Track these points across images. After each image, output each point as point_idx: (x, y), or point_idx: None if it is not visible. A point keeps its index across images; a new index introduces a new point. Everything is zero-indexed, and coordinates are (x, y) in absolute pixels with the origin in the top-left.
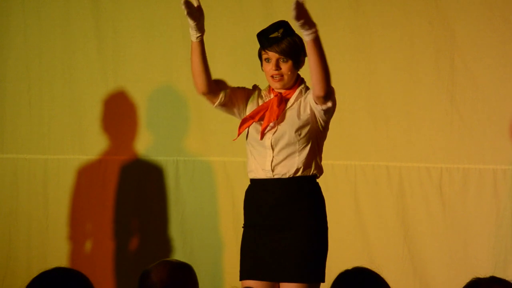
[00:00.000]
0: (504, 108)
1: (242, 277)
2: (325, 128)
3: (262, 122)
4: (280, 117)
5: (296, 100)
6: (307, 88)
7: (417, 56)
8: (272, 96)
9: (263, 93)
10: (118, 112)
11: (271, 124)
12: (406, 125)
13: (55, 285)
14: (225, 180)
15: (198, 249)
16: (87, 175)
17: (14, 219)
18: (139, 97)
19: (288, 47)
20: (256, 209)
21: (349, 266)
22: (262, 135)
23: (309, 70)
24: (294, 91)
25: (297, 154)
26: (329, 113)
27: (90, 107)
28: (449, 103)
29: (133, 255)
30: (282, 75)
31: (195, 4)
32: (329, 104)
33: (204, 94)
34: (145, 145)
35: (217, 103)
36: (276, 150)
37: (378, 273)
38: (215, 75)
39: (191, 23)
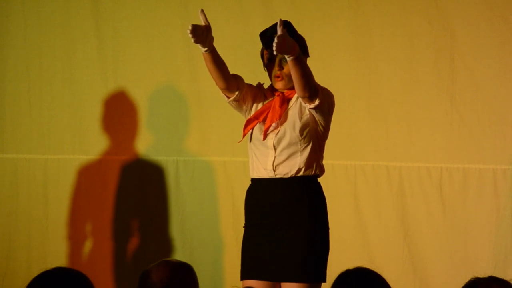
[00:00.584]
0: (504, 108)
1: (243, 277)
2: (326, 128)
3: (265, 122)
4: (283, 117)
5: (297, 99)
6: None
7: (417, 56)
8: (274, 95)
9: (266, 92)
10: (118, 112)
11: (274, 124)
12: (406, 125)
13: (55, 285)
14: (225, 180)
15: (198, 249)
16: (87, 175)
17: (14, 219)
18: (139, 97)
19: None
20: (257, 209)
21: (349, 266)
22: (265, 135)
23: None
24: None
25: (298, 154)
26: (322, 111)
27: (90, 107)
28: (449, 103)
29: (133, 255)
30: (284, 76)
31: (203, 23)
32: (316, 102)
33: (221, 89)
34: (145, 145)
35: (231, 99)
36: (278, 150)
37: (378, 272)
38: None
39: (200, 46)
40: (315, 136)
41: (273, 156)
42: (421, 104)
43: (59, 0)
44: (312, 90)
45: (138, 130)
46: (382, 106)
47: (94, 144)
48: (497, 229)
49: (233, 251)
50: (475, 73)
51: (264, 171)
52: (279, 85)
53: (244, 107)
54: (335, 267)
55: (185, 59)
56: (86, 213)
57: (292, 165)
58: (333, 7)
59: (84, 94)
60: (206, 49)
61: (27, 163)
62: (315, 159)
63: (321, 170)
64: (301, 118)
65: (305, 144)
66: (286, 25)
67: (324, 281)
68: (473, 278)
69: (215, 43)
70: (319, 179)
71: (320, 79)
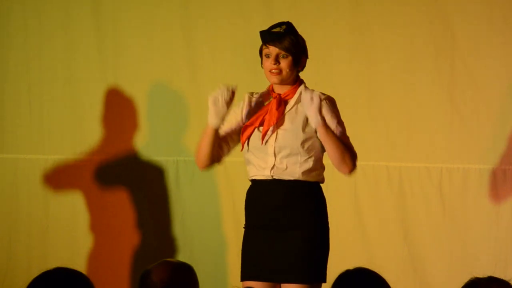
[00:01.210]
0: (504, 108)
1: (243, 278)
2: None
3: (262, 127)
4: (280, 120)
5: (296, 103)
6: (307, 89)
7: (417, 56)
8: (271, 98)
9: (262, 96)
10: (118, 112)
11: (272, 128)
12: (406, 125)
13: (55, 285)
14: (225, 180)
15: (199, 249)
16: (87, 175)
17: (14, 219)
18: (139, 97)
19: (290, 43)
20: (257, 209)
21: (349, 266)
22: (263, 139)
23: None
24: (294, 93)
25: (298, 164)
26: None
27: (90, 107)
28: (449, 103)
29: (134, 255)
30: (280, 70)
31: (228, 96)
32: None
33: (201, 168)
34: (145, 145)
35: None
36: (278, 158)
37: (378, 273)
38: (215, 75)
39: (211, 119)
40: (317, 148)
41: (272, 163)
42: (421, 104)
43: (59, 0)
44: (354, 166)
45: (138, 130)
46: (382, 106)
47: (94, 144)
48: (497, 229)
49: (233, 252)
50: (475, 73)
51: (263, 176)
52: (274, 79)
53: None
54: (335, 267)
55: (185, 59)
56: (86, 213)
57: (291, 174)
58: (333, 7)
59: (84, 94)
60: (218, 125)
61: (27, 163)
62: (316, 169)
63: (320, 179)
64: (304, 128)
65: (306, 156)
66: (288, 23)
67: (324, 281)
68: (472, 278)
69: (215, 43)
70: None
71: (320, 79)
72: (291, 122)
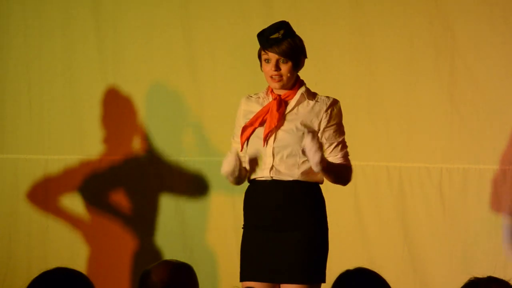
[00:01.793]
0: (504, 108)
1: (242, 278)
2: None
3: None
4: (281, 121)
5: (297, 104)
6: (308, 92)
7: (417, 56)
8: (270, 98)
9: (260, 95)
10: (118, 112)
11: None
12: (406, 125)
13: (55, 285)
14: (225, 180)
15: (199, 249)
16: (87, 175)
17: (15, 219)
18: (139, 97)
19: (289, 48)
20: (256, 210)
21: (349, 266)
22: (265, 141)
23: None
24: (294, 94)
25: (297, 165)
26: None
27: (90, 107)
28: (449, 103)
29: (133, 255)
30: (281, 76)
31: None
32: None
33: None
34: (145, 145)
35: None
36: (277, 159)
37: (378, 273)
38: (215, 75)
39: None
40: None
41: (271, 164)
42: (421, 104)
43: (60, 0)
44: (349, 181)
45: (138, 130)
46: (382, 106)
47: (94, 144)
48: (497, 230)
49: (233, 252)
50: (475, 73)
51: (262, 177)
52: (276, 85)
53: None
54: (335, 267)
55: (185, 59)
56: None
57: (290, 175)
58: (334, 7)
59: (84, 94)
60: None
61: (28, 164)
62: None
63: (320, 180)
64: (303, 130)
65: (305, 158)
66: (285, 26)
67: (324, 281)
68: (472, 278)
69: (215, 43)
70: None
71: (320, 79)
72: (290, 123)
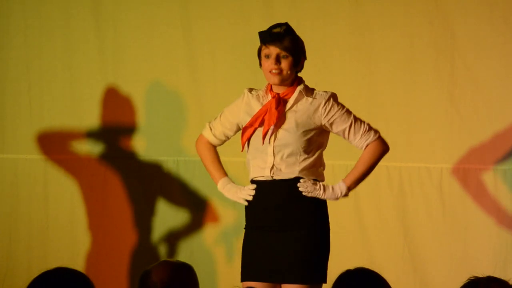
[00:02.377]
0: (504, 108)
1: (244, 278)
2: (327, 141)
3: (262, 127)
4: (279, 120)
5: (296, 102)
6: (307, 89)
7: (417, 56)
8: (269, 97)
9: (260, 93)
10: (118, 112)
11: (272, 127)
12: (406, 125)
13: (56, 285)
14: None
15: (199, 249)
16: (87, 176)
17: (15, 219)
18: (139, 96)
19: (290, 43)
20: (257, 210)
21: (349, 266)
22: (264, 139)
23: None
24: (293, 92)
25: (297, 163)
26: None
27: (90, 107)
28: (449, 103)
29: (134, 255)
30: (281, 70)
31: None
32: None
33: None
34: (145, 145)
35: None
36: (277, 157)
37: (378, 273)
38: (215, 75)
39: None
40: (317, 146)
41: (272, 163)
42: (421, 104)
43: (60, 0)
44: (384, 145)
45: (138, 130)
46: (382, 106)
47: (94, 144)
48: (497, 230)
49: (233, 252)
50: (476, 73)
51: (263, 176)
52: (275, 79)
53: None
54: (335, 267)
55: (185, 59)
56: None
57: (291, 172)
58: (334, 7)
59: (84, 94)
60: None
61: (28, 164)
62: (315, 166)
63: (320, 178)
64: (306, 133)
65: (306, 155)
66: (287, 24)
67: (325, 282)
68: (472, 277)
69: (215, 43)
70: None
71: (320, 79)
72: (290, 121)
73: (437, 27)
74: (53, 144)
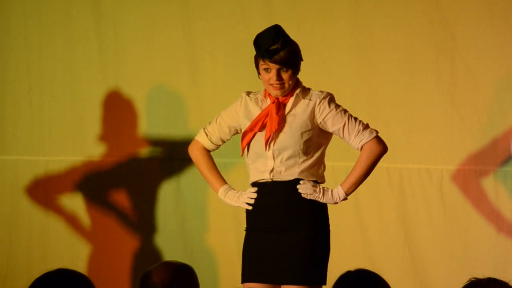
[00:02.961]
0: (505, 109)
1: (244, 280)
2: (328, 141)
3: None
4: (280, 124)
5: (294, 105)
6: (304, 90)
7: (417, 56)
8: (268, 101)
9: (259, 97)
10: (119, 113)
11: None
12: (406, 126)
13: (57, 287)
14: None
15: (199, 250)
16: (87, 176)
17: (15, 219)
18: (140, 97)
19: (289, 57)
20: (258, 212)
21: (349, 267)
22: (267, 145)
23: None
24: (291, 95)
25: (297, 165)
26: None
27: (91, 108)
28: (449, 104)
29: (134, 256)
30: (283, 83)
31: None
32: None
33: None
34: (145, 146)
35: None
36: (277, 161)
37: (379, 274)
38: (215, 75)
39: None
40: (317, 148)
41: (272, 166)
42: (421, 105)
43: (60, 1)
44: (382, 146)
45: (138, 131)
46: (383, 107)
47: (95, 145)
48: (497, 230)
49: (233, 253)
50: (476, 73)
51: (262, 179)
52: (278, 93)
53: (237, 131)
54: (336, 268)
55: (185, 60)
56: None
57: (290, 174)
58: (334, 7)
59: (85, 95)
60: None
61: (28, 165)
62: (314, 167)
63: (320, 179)
64: (302, 131)
65: (305, 157)
66: (281, 34)
67: (325, 283)
68: (472, 278)
69: (215, 43)
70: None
71: (320, 79)
72: (289, 125)
73: (437, 27)
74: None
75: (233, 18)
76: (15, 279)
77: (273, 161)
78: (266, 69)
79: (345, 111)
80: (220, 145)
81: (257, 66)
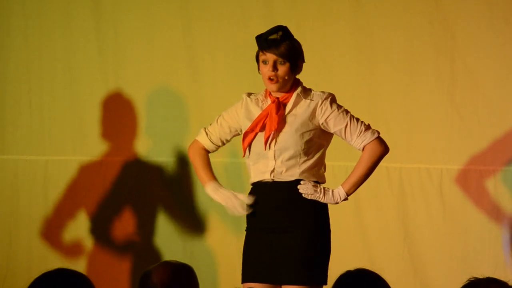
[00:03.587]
0: (505, 109)
1: (244, 280)
2: (329, 142)
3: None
4: (281, 124)
5: (294, 105)
6: (304, 91)
7: (417, 56)
8: (269, 101)
9: (259, 97)
10: (119, 113)
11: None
12: (406, 126)
13: (56, 286)
14: (225, 181)
15: (199, 250)
16: (87, 176)
17: (15, 220)
18: (140, 98)
19: (287, 49)
20: (258, 212)
21: (349, 267)
22: (266, 144)
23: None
24: (291, 95)
25: (298, 166)
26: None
27: (91, 108)
28: (449, 104)
29: (134, 256)
30: (278, 77)
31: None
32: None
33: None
34: (145, 146)
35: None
36: (278, 161)
37: (379, 273)
38: (215, 75)
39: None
40: (318, 148)
41: (273, 167)
42: (421, 105)
43: (60, 1)
44: (384, 147)
45: (138, 131)
46: (382, 106)
47: (94, 145)
48: (497, 230)
49: (233, 253)
50: (476, 74)
51: (263, 179)
52: (272, 87)
53: (237, 132)
54: (335, 268)
55: (185, 60)
56: (86, 214)
57: (291, 175)
58: (334, 7)
59: (85, 95)
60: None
61: (28, 164)
62: (315, 168)
63: (321, 179)
64: (303, 131)
65: (306, 157)
66: (283, 29)
67: (325, 283)
68: (471, 278)
69: (215, 44)
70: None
71: (320, 79)
72: (290, 125)
73: (437, 27)
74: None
75: (233, 18)
76: (15, 279)
77: (274, 162)
78: (264, 61)
79: (347, 111)
80: (219, 146)
81: (257, 60)
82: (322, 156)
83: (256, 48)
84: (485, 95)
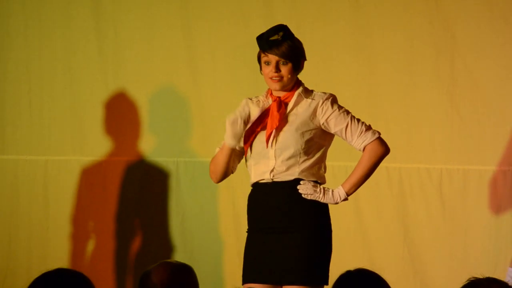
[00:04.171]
0: (504, 109)
1: (245, 281)
2: (330, 143)
3: (264, 131)
4: (282, 123)
5: (296, 104)
6: (306, 91)
7: (417, 56)
8: (270, 100)
9: (260, 98)
10: (119, 113)
11: (273, 130)
12: (406, 126)
13: (56, 286)
14: (225, 181)
15: (199, 250)
16: (88, 176)
17: (15, 220)
18: (140, 98)
19: (288, 49)
20: (258, 213)
21: (349, 267)
22: (268, 142)
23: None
24: (293, 95)
25: (297, 165)
26: None
27: (91, 108)
28: (449, 104)
29: (134, 256)
30: (281, 77)
31: (246, 117)
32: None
33: (216, 181)
34: (145, 146)
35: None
36: (278, 160)
37: (378, 274)
38: (215, 76)
39: (228, 139)
40: (318, 148)
41: (273, 166)
42: (421, 105)
43: (60, 1)
44: (384, 148)
45: (138, 131)
46: (382, 106)
47: (95, 145)
48: (497, 230)
49: (233, 253)
50: (475, 74)
51: (263, 179)
52: (276, 86)
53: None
54: (335, 268)
55: (185, 60)
56: (87, 214)
57: (291, 174)
58: (334, 7)
59: (85, 95)
60: (234, 145)
61: (28, 164)
62: (315, 167)
63: (321, 179)
64: (304, 130)
65: (306, 157)
66: (284, 28)
67: (326, 283)
68: (471, 278)
69: (215, 44)
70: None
71: (320, 79)
72: (290, 124)
73: (437, 27)
74: None
75: (233, 18)
76: (15, 279)
77: (275, 161)
78: (267, 62)
79: (348, 112)
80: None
81: (259, 62)
82: (323, 156)
83: (257, 48)
84: (485, 95)
